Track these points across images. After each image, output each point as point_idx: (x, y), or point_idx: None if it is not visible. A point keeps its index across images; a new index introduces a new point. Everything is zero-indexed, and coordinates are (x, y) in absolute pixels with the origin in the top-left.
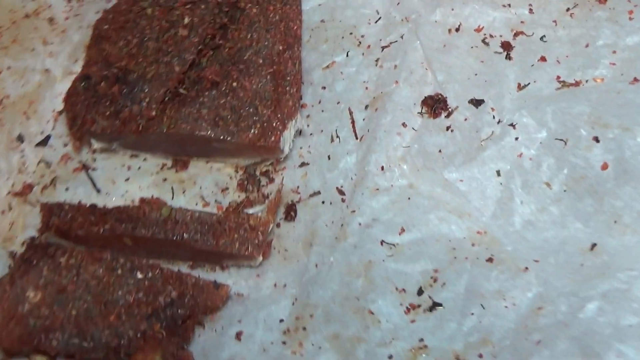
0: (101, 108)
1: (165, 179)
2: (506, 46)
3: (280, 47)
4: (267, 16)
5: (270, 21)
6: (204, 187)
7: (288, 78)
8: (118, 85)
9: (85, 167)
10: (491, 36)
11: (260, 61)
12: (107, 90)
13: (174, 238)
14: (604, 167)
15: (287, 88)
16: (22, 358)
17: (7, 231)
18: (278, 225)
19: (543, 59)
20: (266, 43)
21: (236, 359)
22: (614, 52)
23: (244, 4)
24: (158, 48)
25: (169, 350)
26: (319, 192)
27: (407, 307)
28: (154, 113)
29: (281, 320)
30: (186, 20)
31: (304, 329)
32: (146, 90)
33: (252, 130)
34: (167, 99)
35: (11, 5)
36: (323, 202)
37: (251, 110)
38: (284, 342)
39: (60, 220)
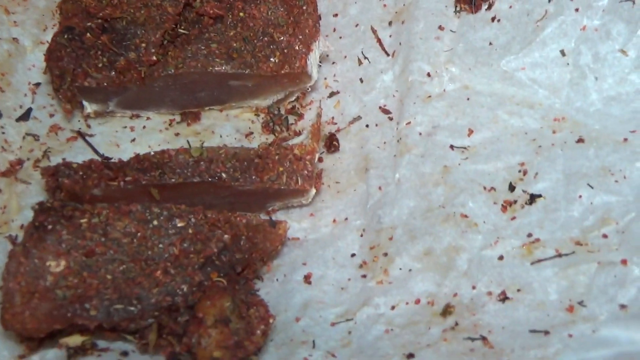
0: (92, 60)
1: (177, 134)
2: None
3: None
4: None
5: None
6: (224, 136)
7: None
8: (107, 35)
9: (80, 134)
10: None
11: None
12: (95, 41)
13: (211, 180)
14: None
15: (304, 8)
16: (48, 349)
17: (0, 215)
18: (320, 159)
19: None
20: None
21: (312, 303)
22: None
23: None
24: None
25: (238, 297)
26: (359, 117)
27: (502, 205)
28: (154, 57)
29: (353, 255)
30: None
31: (385, 254)
32: (140, 35)
33: (273, 59)
34: (165, 42)
35: None
36: (367, 126)
37: (266, 39)
38: (363, 276)
39: (71, 180)
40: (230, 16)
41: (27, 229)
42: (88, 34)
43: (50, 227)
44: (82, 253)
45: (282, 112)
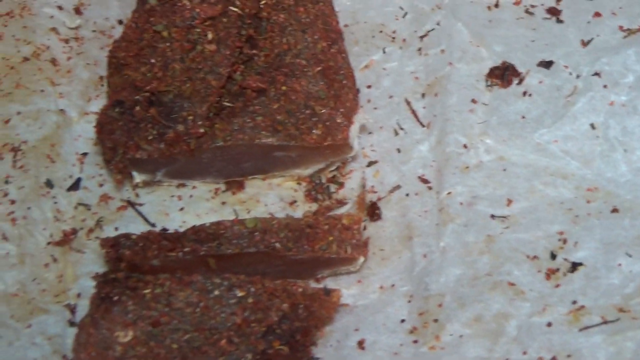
0: (142, 132)
1: (224, 203)
2: (553, 11)
3: (324, 44)
4: (299, 18)
5: (304, 22)
6: (269, 205)
7: (342, 72)
8: (154, 108)
9: (130, 204)
10: (532, 6)
11: (304, 62)
12: (144, 114)
13: (266, 249)
14: None
15: (344, 82)
16: None
17: (57, 285)
18: (364, 227)
19: (597, 14)
20: (305, 44)
21: None
22: None
23: (267, 13)
24: (186, 68)
25: None
26: (399, 186)
27: (546, 273)
28: (202, 130)
29: (402, 321)
30: (210, 35)
31: (435, 321)
32: (187, 108)
33: (315, 131)
34: (211, 114)
35: (3, 53)
36: (407, 195)
37: (308, 112)
38: (415, 342)
39: (131, 251)
40: (273, 89)
41: (93, 300)
42: (137, 107)
43: (116, 298)
44: (148, 323)
45: (324, 180)
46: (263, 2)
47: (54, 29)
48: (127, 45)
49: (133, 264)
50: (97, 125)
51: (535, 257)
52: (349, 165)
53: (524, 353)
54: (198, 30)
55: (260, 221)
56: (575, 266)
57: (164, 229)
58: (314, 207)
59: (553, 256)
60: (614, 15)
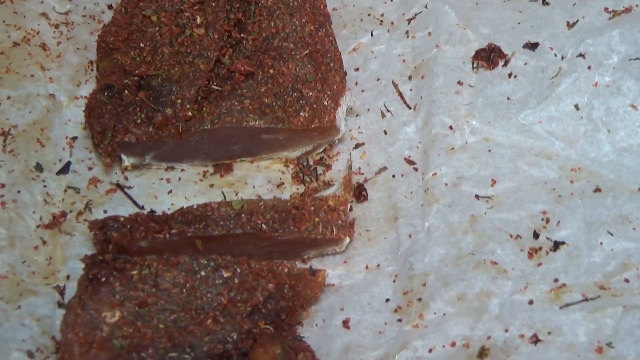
0: (131, 116)
1: (212, 185)
2: None
3: (312, 27)
4: (287, 2)
5: (292, 6)
6: (257, 187)
7: (329, 55)
8: (143, 92)
9: (119, 187)
10: None
11: (292, 46)
12: (133, 98)
13: (252, 231)
14: None
15: (331, 65)
16: None
17: (46, 267)
18: (350, 209)
19: None
20: (293, 27)
21: (352, 347)
22: None
23: None
24: (175, 51)
25: (286, 343)
26: (385, 168)
27: (528, 252)
28: (190, 113)
29: (387, 300)
30: (199, 19)
31: (419, 300)
32: (175, 91)
33: (302, 114)
34: (199, 98)
35: None
36: (393, 176)
37: (295, 94)
38: (399, 320)
39: (119, 233)
40: (260, 73)
41: (81, 281)
42: (126, 91)
43: (103, 279)
44: (135, 304)
45: (311, 163)
46: None
47: (44, 14)
48: (117, 29)
49: (121, 246)
50: (86, 109)
51: (518, 236)
52: (336, 147)
53: (506, 330)
54: (187, 14)
55: (247, 203)
56: (557, 245)
57: (152, 211)
58: (302, 189)
59: (536, 235)
60: None
